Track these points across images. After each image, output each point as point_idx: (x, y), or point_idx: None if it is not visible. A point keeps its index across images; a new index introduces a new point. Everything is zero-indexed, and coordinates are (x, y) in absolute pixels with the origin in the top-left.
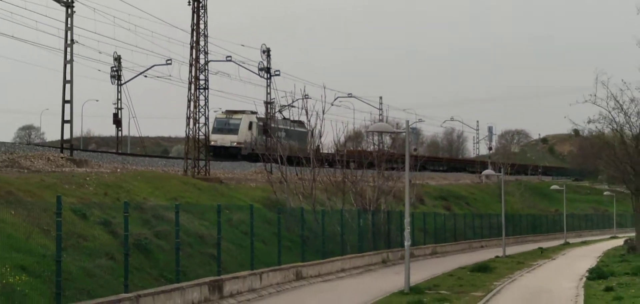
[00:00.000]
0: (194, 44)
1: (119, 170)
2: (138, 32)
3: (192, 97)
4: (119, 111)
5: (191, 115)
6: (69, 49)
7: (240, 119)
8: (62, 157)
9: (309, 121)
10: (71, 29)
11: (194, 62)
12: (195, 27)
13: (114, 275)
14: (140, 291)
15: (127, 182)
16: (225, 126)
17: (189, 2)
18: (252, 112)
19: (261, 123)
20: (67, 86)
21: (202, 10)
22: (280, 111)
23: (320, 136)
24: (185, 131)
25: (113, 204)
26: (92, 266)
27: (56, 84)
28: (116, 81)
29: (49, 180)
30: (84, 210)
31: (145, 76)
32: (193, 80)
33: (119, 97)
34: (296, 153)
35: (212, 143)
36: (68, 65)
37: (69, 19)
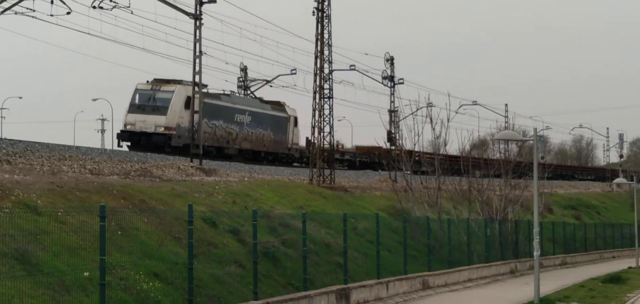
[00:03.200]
0: (319, 54)
1: (246, 179)
2: (263, 43)
3: (317, 106)
4: None
5: (316, 124)
6: (197, 60)
7: (173, 91)
8: (191, 166)
9: (434, 129)
10: (199, 40)
11: (318, 72)
12: (319, 37)
13: (243, 282)
14: (269, 299)
15: (254, 190)
16: (149, 102)
17: (314, 12)
18: (189, 83)
19: (209, 100)
20: (196, 96)
21: (326, 20)
22: (247, 87)
23: (446, 144)
24: (310, 139)
25: (241, 213)
26: (222, 273)
27: None
28: (243, 91)
29: (179, 189)
30: (214, 218)
31: (271, 86)
32: (317, 89)
33: None
34: (266, 146)
35: (128, 128)
36: (196, 76)
37: (198, 31)
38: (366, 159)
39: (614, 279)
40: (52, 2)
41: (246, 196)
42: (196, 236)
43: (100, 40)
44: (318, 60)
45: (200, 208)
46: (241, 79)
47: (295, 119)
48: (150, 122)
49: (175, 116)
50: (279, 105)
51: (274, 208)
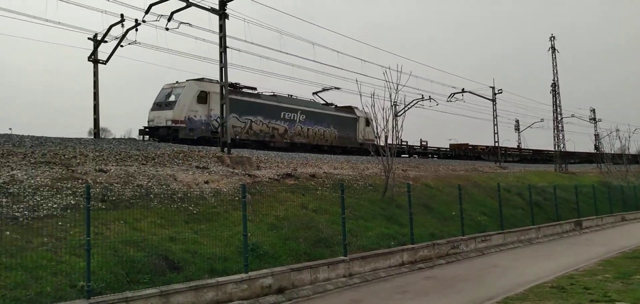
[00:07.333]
0: (555, 108)
1: (521, 170)
2: (526, 108)
3: (555, 135)
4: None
5: (555, 143)
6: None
7: (184, 86)
8: (496, 166)
9: (621, 142)
10: (496, 117)
11: (554, 118)
12: (554, 101)
13: (525, 217)
14: (540, 225)
15: (526, 175)
16: (165, 99)
17: (550, 90)
18: (213, 81)
19: (238, 97)
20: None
21: (558, 95)
22: (316, 93)
23: (628, 149)
24: (553, 149)
25: (521, 185)
26: (514, 213)
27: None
28: (517, 131)
29: (492, 175)
30: (509, 188)
31: (530, 127)
32: (555, 127)
33: (518, 139)
34: (328, 141)
35: (149, 123)
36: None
37: (495, 108)
38: (453, 153)
39: None
40: (430, 99)
41: (523, 178)
42: (501, 196)
43: (453, 118)
44: (554, 113)
45: (502, 184)
46: (516, 127)
47: (367, 120)
48: (162, 117)
49: (184, 110)
50: (348, 109)
51: (537, 183)
